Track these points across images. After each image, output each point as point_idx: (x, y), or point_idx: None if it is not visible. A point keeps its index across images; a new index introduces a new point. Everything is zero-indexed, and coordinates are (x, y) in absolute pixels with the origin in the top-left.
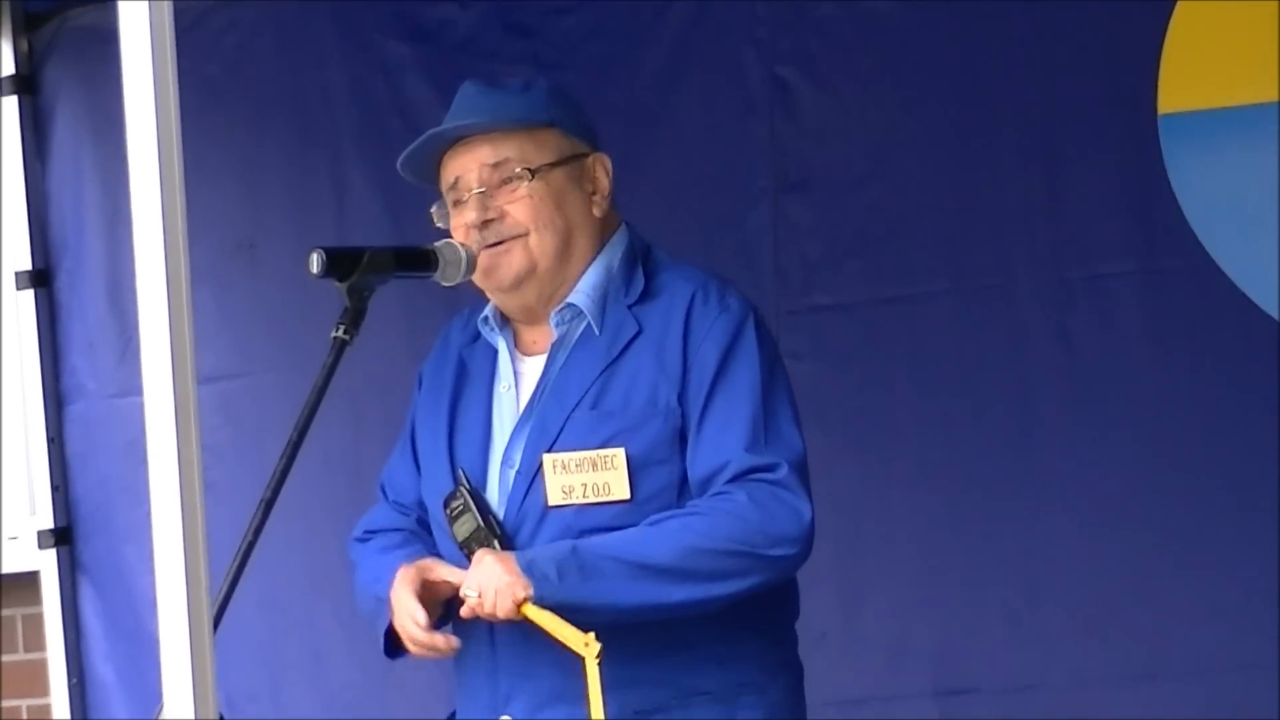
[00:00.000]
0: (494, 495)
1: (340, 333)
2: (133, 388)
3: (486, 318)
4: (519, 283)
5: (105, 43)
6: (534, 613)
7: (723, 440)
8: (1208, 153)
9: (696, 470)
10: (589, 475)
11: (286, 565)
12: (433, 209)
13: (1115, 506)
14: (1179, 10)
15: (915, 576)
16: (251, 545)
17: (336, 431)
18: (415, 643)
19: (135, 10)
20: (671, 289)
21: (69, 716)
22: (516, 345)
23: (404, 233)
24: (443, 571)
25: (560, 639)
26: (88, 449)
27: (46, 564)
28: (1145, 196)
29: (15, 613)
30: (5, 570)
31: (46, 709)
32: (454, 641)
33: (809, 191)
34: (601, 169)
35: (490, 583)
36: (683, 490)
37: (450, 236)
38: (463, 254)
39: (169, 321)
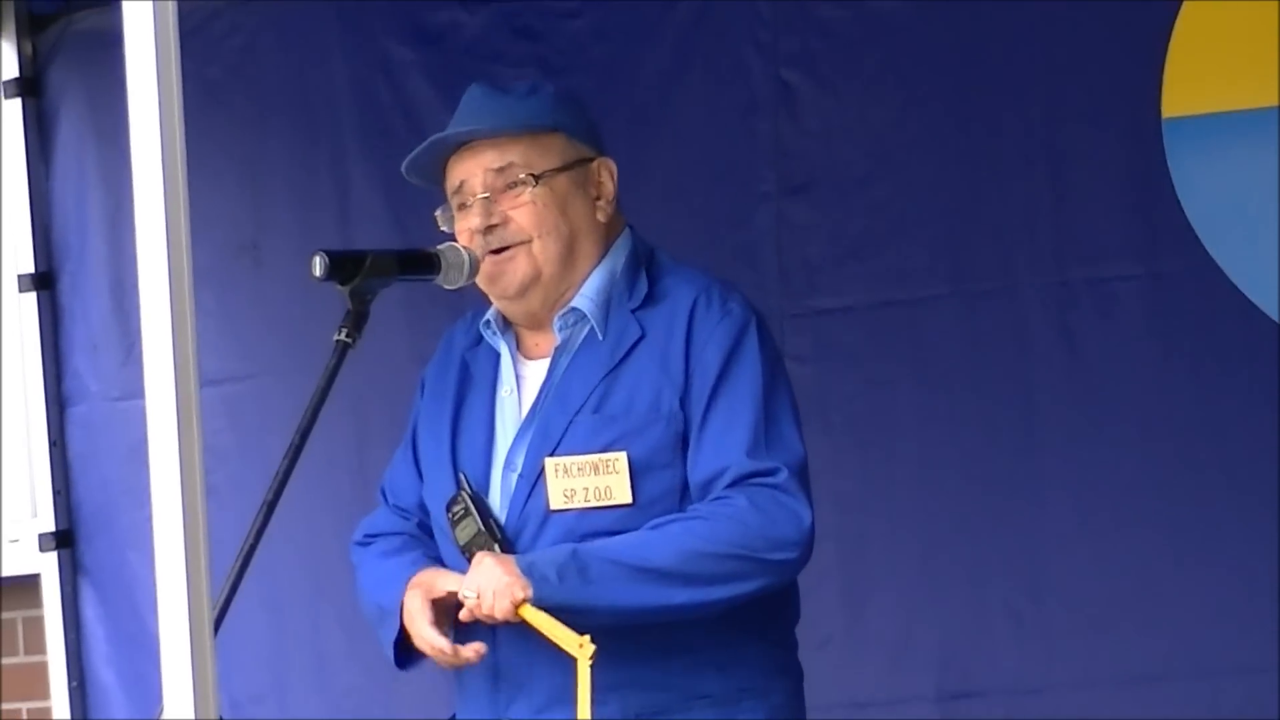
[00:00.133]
0: (496, 499)
1: (343, 335)
2: (135, 390)
3: (489, 321)
4: (523, 290)
5: (109, 45)
6: (531, 614)
7: (724, 444)
8: (1211, 156)
9: (697, 474)
10: (591, 479)
11: (289, 568)
12: (438, 212)
13: (1118, 508)
14: (1183, 14)
15: (919, 578)
16: (254, 548)
17: (339, 434)
18: (450, 666)
19: (139, 13)
20: (675, 293)
21: (69, 719)
22: (519, 349)
23: (407, 235)
24: (444, 583)
25: (554, 640)
26: (90, 452)
27: (47, 567)
28: (1148, 199)
29: (16, 615)
30: (6, 573)
31: (47, 712)
32: (481, 648)
33: (812, 193)
34: (606, 173)
35: (489, 583)
36: (685, 494)
37: (455, 240)
38: (466, 257)
39: (172, 324)
